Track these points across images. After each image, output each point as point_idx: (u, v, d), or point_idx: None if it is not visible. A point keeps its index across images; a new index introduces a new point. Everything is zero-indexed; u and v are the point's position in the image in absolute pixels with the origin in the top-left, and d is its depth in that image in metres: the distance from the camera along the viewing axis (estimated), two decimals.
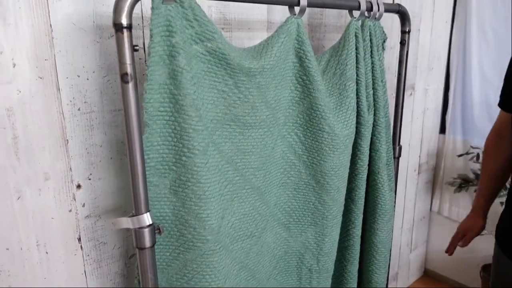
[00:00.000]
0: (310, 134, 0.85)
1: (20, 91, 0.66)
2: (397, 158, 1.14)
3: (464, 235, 1.13)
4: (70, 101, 0.72)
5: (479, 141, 1.67)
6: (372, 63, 0.92)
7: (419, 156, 1.79)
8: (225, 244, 0.77)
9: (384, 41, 0.96)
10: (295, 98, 0.82)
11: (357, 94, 0.90)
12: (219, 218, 0.74)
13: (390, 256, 1.25)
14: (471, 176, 1.67)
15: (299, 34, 0.78)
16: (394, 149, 1.12)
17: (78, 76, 0.72)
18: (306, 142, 0.86)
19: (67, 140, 0.73)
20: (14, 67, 0.65)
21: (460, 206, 1.84)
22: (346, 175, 0.94)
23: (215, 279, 0.75)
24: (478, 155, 1.63)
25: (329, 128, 0.84)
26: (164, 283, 0.75)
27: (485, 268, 1.73)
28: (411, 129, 1.68)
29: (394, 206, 1.18)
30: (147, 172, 0.66)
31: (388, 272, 1.32)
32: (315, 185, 0.89)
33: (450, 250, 1.16)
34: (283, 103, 0.81)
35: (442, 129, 1.85)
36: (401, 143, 1.17)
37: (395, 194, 1.19)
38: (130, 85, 0.56)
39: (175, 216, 0.70)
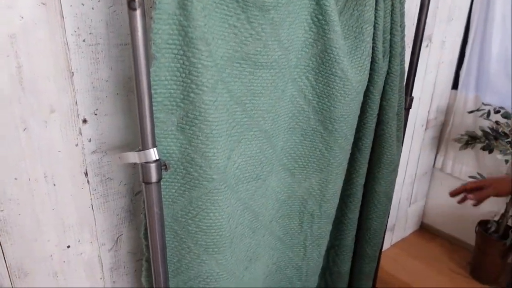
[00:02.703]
0: (321, 78, 0.82)
1: (22, 17, 0.63)
2: (407, 109, 1.11)
3: (482, 187, 0.94)
4: (75, 31, 0.69)
5: (492, 98, 1.63)
6: (392, 5, 0.86)
7: (428, 112, 1.76)
8: (231, 184, 0.77)
9: None
10: (309, 39, 0.78)
11: (373, 38, 0.86)
12: (226, 158, 0.73)
13: (390, 206, 1.27)
14: (479, 133, 1.65)
15: None
16: (405, 100, 1.09)
17: (83, 5, 0.68)
18: (317, 87, 0.83)
19: (72, 72, 0.71)
20: None
21: (464, 163, 1.84)
22: (355, 122, 0.93)
23: (219, 217, 0.76)
24: (489, 112, 1.60)
25: (342, 72, 0.81)
26: (169, 218, 0.76)
27: (481, 223, 1.77)
28: (423, 82, 1.63)
29: (399, 158, 1.18)
30: (154, 108, 0.65)
31: (387, 223, 1.35)
32: (323, 132, 0.88)
33: (454, 193, 1.00)
34: (296, 44, 0.77)
35: (455, 85, 1.80)
36: (412, 95, 1.14)
37: (402, 145, 1.18)
38: (138, 12, 0.53)
39: (181, 153, 0.70)
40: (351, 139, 0.94)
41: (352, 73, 0.83)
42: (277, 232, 0.99)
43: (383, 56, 0.89)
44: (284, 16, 0.71)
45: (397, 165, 1.07)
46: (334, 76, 0.81)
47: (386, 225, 1.35)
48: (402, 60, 0.95)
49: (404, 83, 0.99)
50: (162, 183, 0.73)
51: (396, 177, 1.11)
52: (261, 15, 0.68)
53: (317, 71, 0.82)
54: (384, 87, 0.95)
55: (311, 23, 0.77)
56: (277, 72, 0.76)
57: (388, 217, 1.33)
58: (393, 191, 1.12)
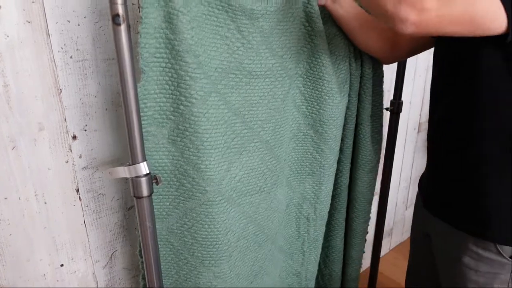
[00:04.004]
0: (310, 83, 0.83)
1: (7, 36, 0.63)
2: (396, 113, 1.12)
3: None
4: (62, 48, 0.69)
5: None
6: None
7: (420, 115, 1.78)
8: (230, 197, 0.77)
9: None
10: (297, 46, 0.79)
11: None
12: (222, 171, 0.73)
13: (383, 210, 1.26)
14: None
15: None
16: (395, 104, 1.10)
17: (69, 21, 0.69)
18: (305, 92, 0.84)
19: (60, 89, 0.71)
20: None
21: None
22: (342, 124, 0.93)
23: (214, 230, 0.75)
24: None
25: (329, 76, 0.82)
26: (164, 231, 0.75)
27: None
28: (413, 86, 1.65)
29: (388, 161, 1.18)
30: (144, 122, 0.65)
31: (383, 227, 1.35)
32: (314, 135, 0.88)
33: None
34: (291, 52, 0.78)
35: None
36: (402, 99, 1.15)
37: (394, 150, 1.19)
38: (122, 28, 0.54)
39: (174, 166, 0.69)
40: (339, 140, 0.95)
41: (336, 76, 0.84)
42: (279, 243, 0.98)
43: (355, 60, 0.90)
44: (273, 24, 0.72)
45: (373, 166, 1.07)
46: (321, 80, 0.82)
47: (383, 229, 1.35)
48: (376, 63, 0.95)
49: (382, 87, 1.00)
50: (155, 196, 0.72)
51: (374, 178, 1.10)
52: (250, 23, 0.69)
53: (305, 76, 0.83)
54: (359, 89, 0.96)
55: (299, 30, 0.78)
56: (273, 81, 0.76)
57: (384, 223, 1.33)
58: (372, 192, 1.12)
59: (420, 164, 1.92)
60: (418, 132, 1.81)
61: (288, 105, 0.83)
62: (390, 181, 1.25)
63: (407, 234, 2.06)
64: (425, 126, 1.85)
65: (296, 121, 0.86)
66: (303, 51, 0.80)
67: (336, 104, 0.85)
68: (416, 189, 2.01)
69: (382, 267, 1.47)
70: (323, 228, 1.05)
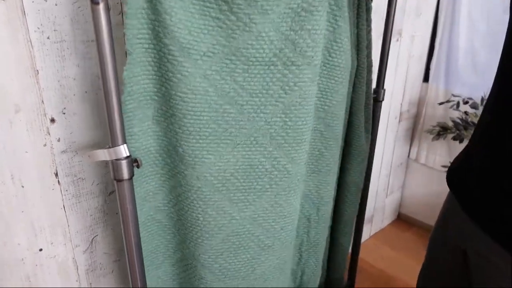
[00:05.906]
0: (326, 72, 0.78)
1: None
2: (380, 101, 1.13)
3: None
4: (38, 28, 0.67)
5: (461, 90, 1.69)
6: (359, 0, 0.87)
7: (401, 104, 1.80)
8: (217, 189, 0.74)
9: None
10: (316, 29, 0.69)
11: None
12: (205, 160, 0.71)
13: (365, 197, 1.28)
14: (450, 124, 1.70)
15: None
16: (378, 92, 1.11)
17: (45, 1, 0.67)
18: (321, 82, 0.77)
19: (37, 70, 0.69)
20: None
21: (437, 153, 1.89)
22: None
23: (192, 214, 0.75)
24: (458, 103, 1.65)
25: (346, 62, 0.78)
26: (152, 211, 0.75)
27: None
28: (395, 76, 1.67)
29: (370, 149, 1.19)
30: (130, 105, 0.64)
31: (364, 214, 1.37)
32: (324, 130, 0.84)
33: None
34: (307, 35, 0.67)
35: (426, 78, 1.84)
36: (384, 87, 1.16)
37: (376, 138, 1.20)
38: (101, 7, 0.52)
39: (159, 145, 0.69)
40: (342, 133, 0.92)
41: (350, 64, 0.80)
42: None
43: (352, 48, 0.90)
44: (280, 3, 0.64)
45: (366, 155, 1.07)
46: (339, 68, 0.76)
47: (364, 216, 1.37)
48: (369, 54, 0.96)
49: (371, 75, 1.00)
50: (142, 178, 0.72)
51: (365, 167, 1.11)
52: (246, 4, 0.61)
53: (321, 64, 0.76)
54: (354, 79, 0.96)
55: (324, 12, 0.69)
56: (280, 69, 0.67)
57: (365, 210, 1.36)
58: (362, 181, 1.12)
59: (400, 152, 1.95)
60: (399, 121, 1.84)
61: (295, 96, 0.73)
62: (371, 168, 1.27)
63: (387, 221, 2.10)
64: (406, 115, 1.88)
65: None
66: (323, 34, 0.70)
67: (345, 95, 0.81)
68: (397, 176, 2.02)
69: (362, 253, 1.50)
70: (326, 232, 1.01)
